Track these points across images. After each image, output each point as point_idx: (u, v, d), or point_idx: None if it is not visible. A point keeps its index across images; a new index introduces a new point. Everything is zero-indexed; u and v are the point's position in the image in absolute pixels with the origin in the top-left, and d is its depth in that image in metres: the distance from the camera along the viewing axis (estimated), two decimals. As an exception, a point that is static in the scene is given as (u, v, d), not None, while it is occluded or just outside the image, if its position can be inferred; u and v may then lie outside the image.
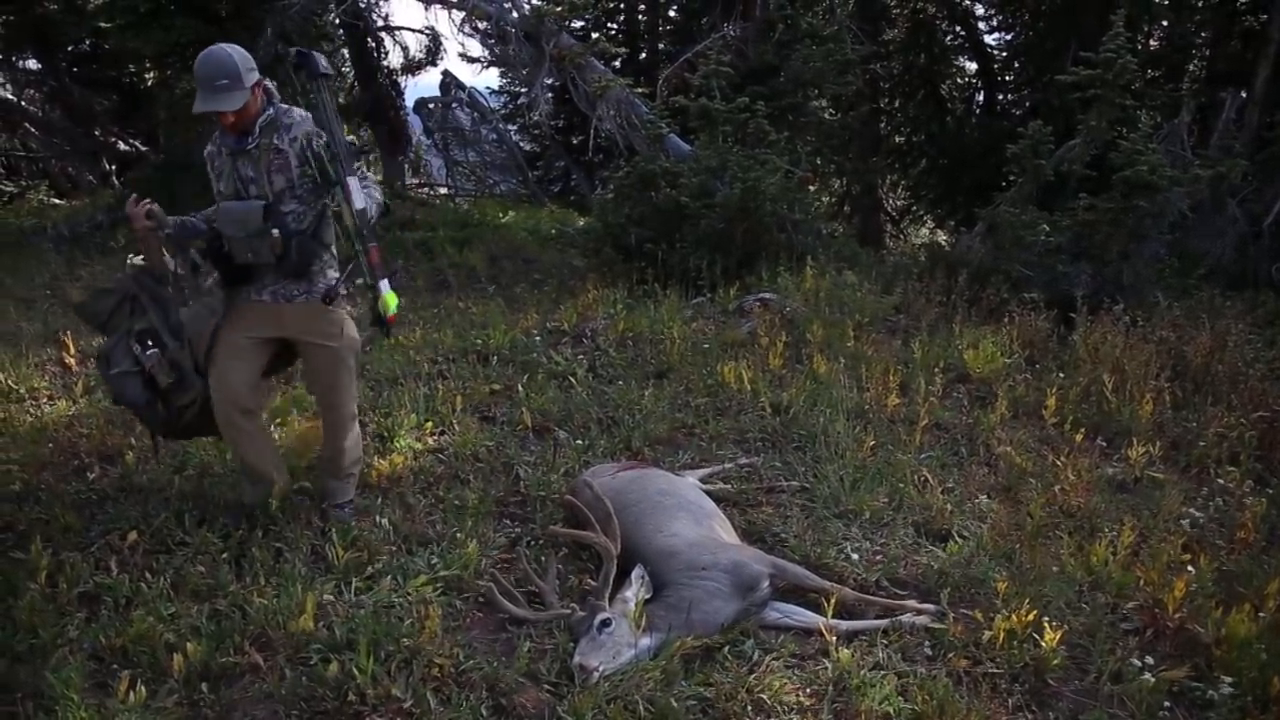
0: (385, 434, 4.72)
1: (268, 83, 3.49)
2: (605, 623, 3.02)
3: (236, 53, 3.33)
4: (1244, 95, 9.99)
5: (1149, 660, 3.04)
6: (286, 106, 3.52)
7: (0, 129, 15.12)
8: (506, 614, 3.26)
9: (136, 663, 2.91)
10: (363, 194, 3.35)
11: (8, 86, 14.26)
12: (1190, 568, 3.47)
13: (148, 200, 3.39)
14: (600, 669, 2.88)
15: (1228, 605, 3.22)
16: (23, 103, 14.38)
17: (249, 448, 3.69)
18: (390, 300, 3.48)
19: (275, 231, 3.39)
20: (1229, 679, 2.94)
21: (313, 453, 4.31)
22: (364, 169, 3.28)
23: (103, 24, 11.80)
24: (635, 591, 3.19)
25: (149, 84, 13.69)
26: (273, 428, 4.66)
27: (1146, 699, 2.90)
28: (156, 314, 3.48)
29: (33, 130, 15.04)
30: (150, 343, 3.43)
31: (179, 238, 3.53)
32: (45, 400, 5.19)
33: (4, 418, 4.73)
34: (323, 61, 3.38)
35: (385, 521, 3.82)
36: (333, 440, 3.80)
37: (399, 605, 3.22)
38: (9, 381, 5.25)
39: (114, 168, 14.30)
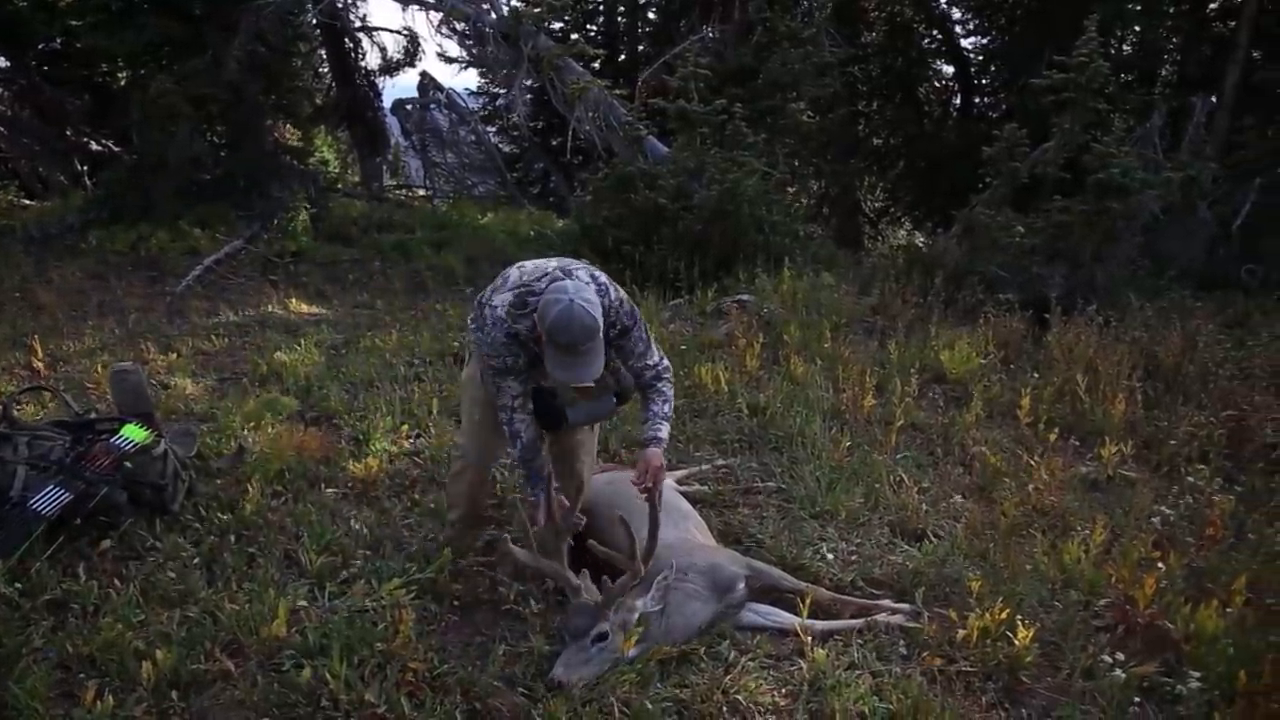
0: (360, 437, 4.70)
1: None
2: (601, 635, 2.95)
3: (596, 308, 2.81)
4: (1214, 100, 10.11)
5: (1120, 656, 3.06)
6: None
7: (-32, 128, 14.91)
8: (516, 565, 3.30)
9: (104, 671, 2.86)
10: None
11: (-26, 85, 14.06)
12: (1160, 565, 3.50)
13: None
14: (579, 684, 2.83)
15: (1196, 601, 3.26)
16: (-9, 102, 14.19)
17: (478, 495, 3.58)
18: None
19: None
20: (1197, 674, 2.97)
21: (289, 455, 4.27)
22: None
23: (73, 22, 11.67)
24: (645, 602, 3.08)
25: (121, 84, 13.55)
26: (245, 431, 4.63)
27: (1117, 695, 2.92)
28: None
29: (1, 129, 14.83)
30: None
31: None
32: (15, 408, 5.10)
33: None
34: None
35: (359, 525, 3.80)
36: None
37: (373, 610, 3.19)
38: (-23, 385, 5.17)
39: (86, 168, 14.10)
